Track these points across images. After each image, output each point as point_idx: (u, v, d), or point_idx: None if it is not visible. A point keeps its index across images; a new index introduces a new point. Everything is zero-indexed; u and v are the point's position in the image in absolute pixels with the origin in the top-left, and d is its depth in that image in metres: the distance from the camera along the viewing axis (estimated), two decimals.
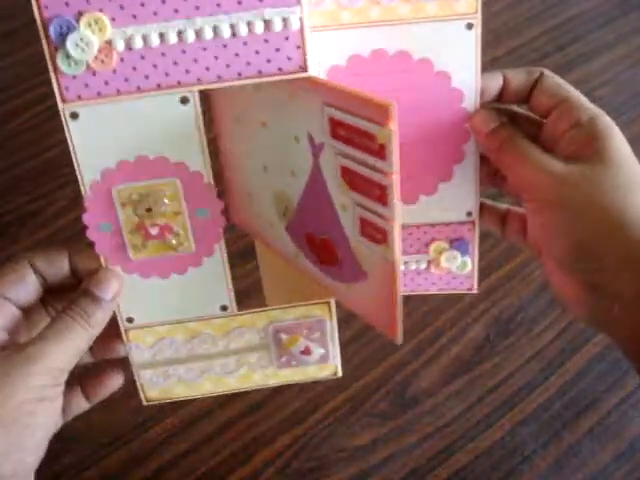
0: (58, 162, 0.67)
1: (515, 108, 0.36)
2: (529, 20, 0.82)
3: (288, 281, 0.42)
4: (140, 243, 0.33)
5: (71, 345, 0.31)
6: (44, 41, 0.29)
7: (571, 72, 0.76)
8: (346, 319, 0.56)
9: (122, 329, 0.35)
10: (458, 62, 0.34)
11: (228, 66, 0.30)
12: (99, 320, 0.32)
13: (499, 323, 0.57)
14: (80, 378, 0.34)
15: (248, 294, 0.58)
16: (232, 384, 0.39)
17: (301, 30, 0.30)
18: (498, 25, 0.81)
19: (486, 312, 0.57)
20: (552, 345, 0.55)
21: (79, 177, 0.32)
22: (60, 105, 0.31)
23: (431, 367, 0.55)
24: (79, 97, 0.30)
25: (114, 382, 0.35)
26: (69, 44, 0.29)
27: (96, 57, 0.29)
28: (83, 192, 0.32)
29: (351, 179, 0.31)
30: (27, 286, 0.33)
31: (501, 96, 0.35)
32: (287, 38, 0.30)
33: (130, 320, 0.35)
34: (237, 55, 0.30)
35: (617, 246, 0.31)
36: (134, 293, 0.34)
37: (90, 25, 0.28)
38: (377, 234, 0.32)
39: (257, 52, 0.30)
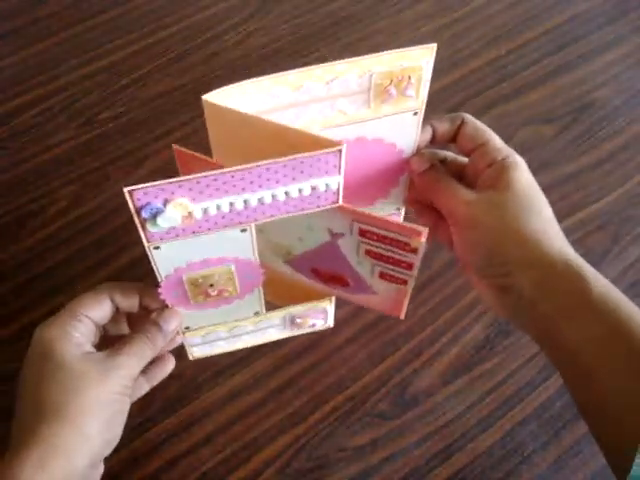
0: (58, 162, 0.67)
1: (446, 152, 0.46)
2: (529, 20, 0.82)
3: (287, 289, 0.52)
4: (202, 299, 0.43)
5: (141, 359, 0.41)
6: (135, 218, 0.35)
7: (571, 72, 0.76)
8: (346, 320, 0.56)
9: (180, 332, 0.46)
10: (403, 135, 0.43)
11: (279, 209, 0.38)
12: (161, 344, 0.42)
13: (499, 323, 0.57)
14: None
15: None
16: (255, 341, 0.52)
17: (338, 188, 0.38)
18: (498, 25, 0.81)
19: (486, 312, 0.57)
20: None
21: (156, 272, 0.40)
22: (145, 243, 0.37)
23: (431, 367, 0.55)
24: (161, 239, 0.37)
25: (170, 365, 0.47)
26: (159, 221, 0.35)
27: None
28: (159, 279, 0.40)
29: (376, 256, 0.42)
30: (104, 312, 0.42)
31: (432, 141, 0.44)
32: (327, 191, 0.38)
33: (187, 328, 0.46)
34: (286, 204, 0.38)
35: (518, 254, 0.39)
36: (190, 315, 0.45)
37: (175, 207, 0.34)
38: (397, 280, 0.43)
39: (302, 200, 0.38)
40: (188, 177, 0.33)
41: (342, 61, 0.38)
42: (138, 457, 0.50)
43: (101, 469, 0.41)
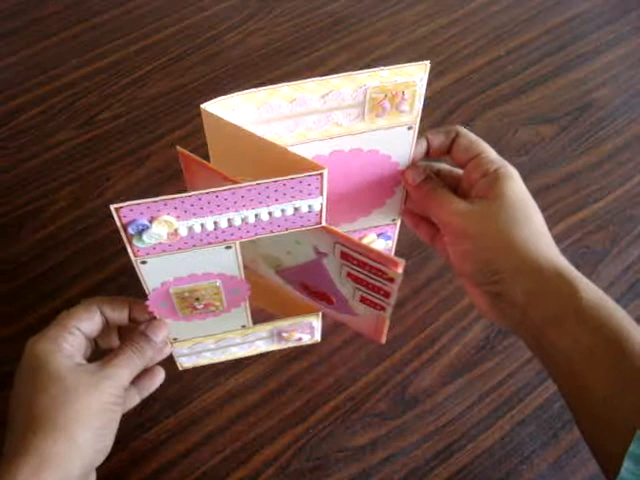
0: (58, 162, 0.67)
1: (440, 165, 0.46)
2: (529, 20, 0.82)
3: (278, 298, 0.53)
4: (189, 312, 0.44)
5: (131, 370, 0.41)
6: (122, 233, 0.35)
7: (571, 72, 0.76)
8: None
9: (169, 343, 0.47)
10: (398, 148, 0.44)
11: (263, 229, 0.38)
12: (150, 355, 0.43)
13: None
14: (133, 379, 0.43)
15: None
16: (243, 354, 0.53)
17: (321, 209, 0.38)
18: (498, 25, 0.81)
19: None
20: None
21: (144, 285, 0.40)
22: (132, 257, 0.38)
23: (431, 367, 0.55)
24: (147, 254, 0.38)
25: (160, 377, 0.47)
26: (144, 237, 0.36)
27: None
28: (147, 292, 0.41)
29: (356, 280, 0.42)
30: (94, 324, 0.42)
31: (427, 154, 0.45)
32: (310, 212, 0.38)
33: (175, 339, 0.47)
34: (271, 223, 0.38)
35: (509, 262, 0.40)
36: (178, 327, 0.46)
37: (161, 224, 0.35)
38: (376, 306, 0.43)
39: (286, 220, 0.38)
40: (173, 196, 0.34)
41: (337, 75, 0.39)
42: (138, 457, 0.50)
43: (93, 478, 0.41)
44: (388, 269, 0.39)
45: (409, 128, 0.43)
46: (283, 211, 0.37)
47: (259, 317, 0.49)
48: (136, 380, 0.44)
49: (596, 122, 0.72)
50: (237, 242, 0.39)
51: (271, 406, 0.53)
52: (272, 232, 0.39)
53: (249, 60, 0.77)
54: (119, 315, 0.43)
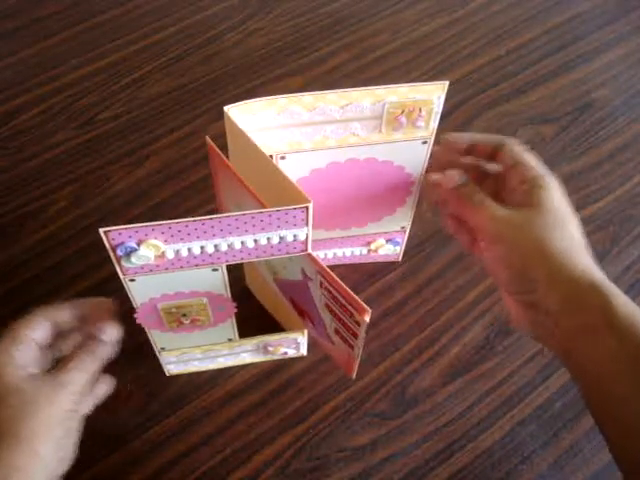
0: (58, 162, 0.67)
1: (490, 164, 0.46)
2: (529, 20, 0.82)
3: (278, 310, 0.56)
4: (175, 325, 0.45)
5: (85, 372, 0.41)
6: (111, 254, 0.36)
7: (571, 72, 0.76)
8: None
9: (157, 352, 0.49)
10: (412, 161, 0.47)
11: (250, 254, 0.39)
12: (102, 355, 0.42)
13: (499, 323, 0.57)
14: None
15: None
16: (230, 364, 0.54)
17: (306, 238, 0.39)
18: (498, 25, 0.81)
19: (486, 312, 0.57)
20: None
21: (132, 300, 0.41)
22: (121, 275, 0.38)
23: (431, 367, 0.55)
24: (136, 273, 0.38)
25: (109, 385, 0.46)
26: (133, 258, 0.36)
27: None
28: (134, 306, 0.42)
29: (332, 312, 0.42)
30: (44, 331, 0.42)
31: (473, 152, 0.46)
32: (295, 240, 0.39)
33: (162, 349, 0.49)
34: (257, 249, 0.39)
35: (544, 271, 0.39)
36: (166, 337, 0.46)
37: (148, 247, 0.36)
38: (346, 342, 0.44)
39: (272, 247, 0.39)
40: (160, 223, 0.35)
41: (357, 89, 0.41)
42: (138, 457, 0.50)
43: None
44: (356, 313, 0.39)
45: (424, 142, 0.45)
46: (269, 239, 0.38)
47: (246, 328, 0.49)
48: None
49: (596, 122, 0.72)
50: (224, 265, 0.40)
51: (271, 406, 0.53)
52: (258, 257, 0.39)
53: (249, 60, 0.77)
54: (69, 318, 0.43)
